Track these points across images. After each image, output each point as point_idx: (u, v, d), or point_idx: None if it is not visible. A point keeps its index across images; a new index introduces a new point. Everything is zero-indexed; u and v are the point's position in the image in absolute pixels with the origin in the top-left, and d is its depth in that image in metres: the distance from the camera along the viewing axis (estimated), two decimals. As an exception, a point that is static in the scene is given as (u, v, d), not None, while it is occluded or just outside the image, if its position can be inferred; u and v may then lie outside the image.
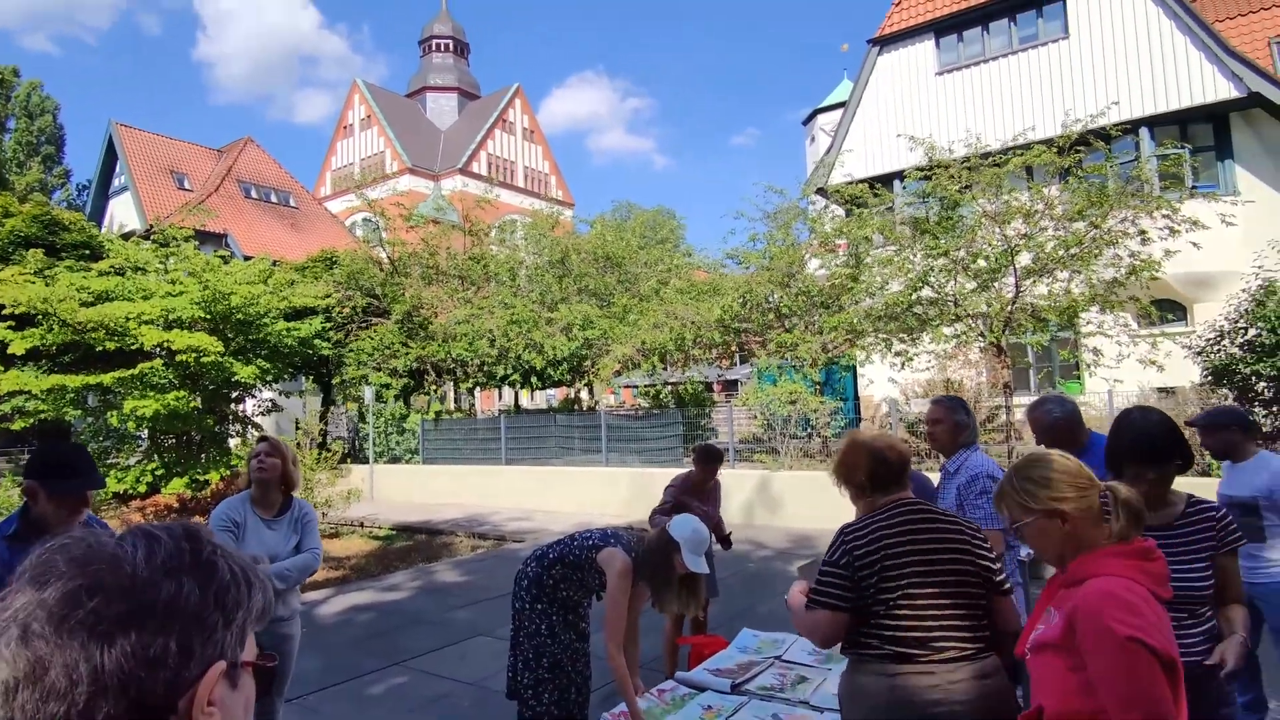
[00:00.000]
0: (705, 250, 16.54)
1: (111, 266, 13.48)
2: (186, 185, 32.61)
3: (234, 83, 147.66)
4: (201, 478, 12.94)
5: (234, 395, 14.48)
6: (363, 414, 16.10)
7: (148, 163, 32.18)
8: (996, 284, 11.48)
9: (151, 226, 28.47)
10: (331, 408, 17.80)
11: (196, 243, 15.94)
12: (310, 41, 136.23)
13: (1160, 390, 11.24)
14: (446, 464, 14.76)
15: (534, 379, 15.37)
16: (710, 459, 4.82)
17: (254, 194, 33.43)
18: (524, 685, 3.18)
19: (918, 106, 16.52)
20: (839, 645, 2.23)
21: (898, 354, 12.47)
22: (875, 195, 13.74)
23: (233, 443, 14.39)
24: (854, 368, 16.24)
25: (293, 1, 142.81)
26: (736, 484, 10.62)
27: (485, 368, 14.92)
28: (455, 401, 20.23)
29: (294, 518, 3.30)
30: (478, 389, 17.09)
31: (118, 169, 32.89)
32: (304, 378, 18.18)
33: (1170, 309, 14.12)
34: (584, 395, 18.29)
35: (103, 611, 0.61)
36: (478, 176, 52.26)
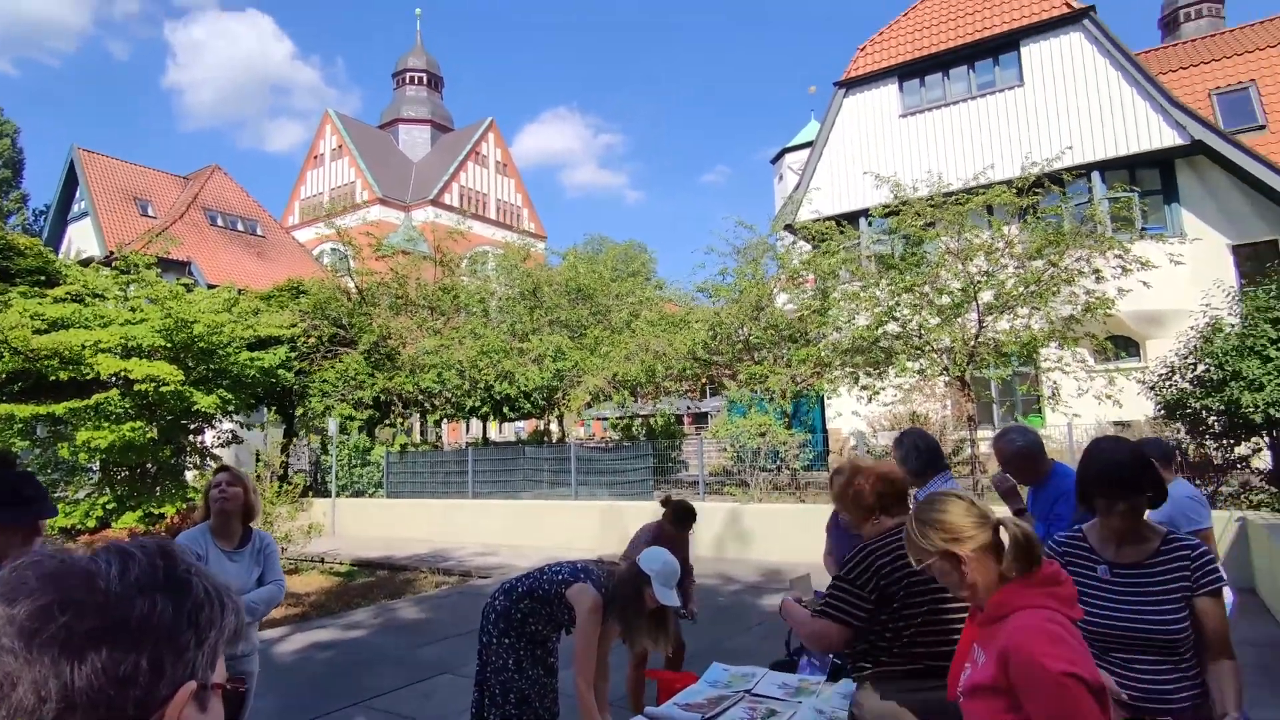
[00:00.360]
0: (677, 283, 16.77)
1: (68, 293, 13.14)
2: (150, 212, 32.07)
3: (204, 110, 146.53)
4: (156, 510, 12.53)
5: (192, 426, 14.12)
6: (325, 446, 15.79)
7: (110, 188, 31.63)
8: (960, 319, 11.77)
9: (112, 253, 27.95)
10: (294, 440, 17.42)
11: (159, 270, 15.66)
12: (283, 71, 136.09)
13: (1117, 424, 11.54)
14: (411, 498, 14.48)
15: (506, 409, 15.23)
16: (683, 521, 4.47)
17: (220, 222, 33.00)
18: (490, 721, 3.11)
19: (882, 147, 17.01)
20: (813, 679, 2.26)
21: (864, 387, 12.66)
22: (842, 232, 14.05)
23: (190, 475, 13.98)
24: (821, 400, 16.41)
25: (265, 32, 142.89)
26: (707, 517, 10.56)
27: (454, 399, 14.76)
28: (421, 434, 19.95)
29: (255, 549, 3.22)
30: (445, 421, 16.88)
31: (78, 194, 32.25)
32: (265, 409, 17.79)
33: (1124, 345, 14.57)
34: (554, 428, 18.17)
35: (74, 627, 0.60)
36: (449, 208, 52.27)
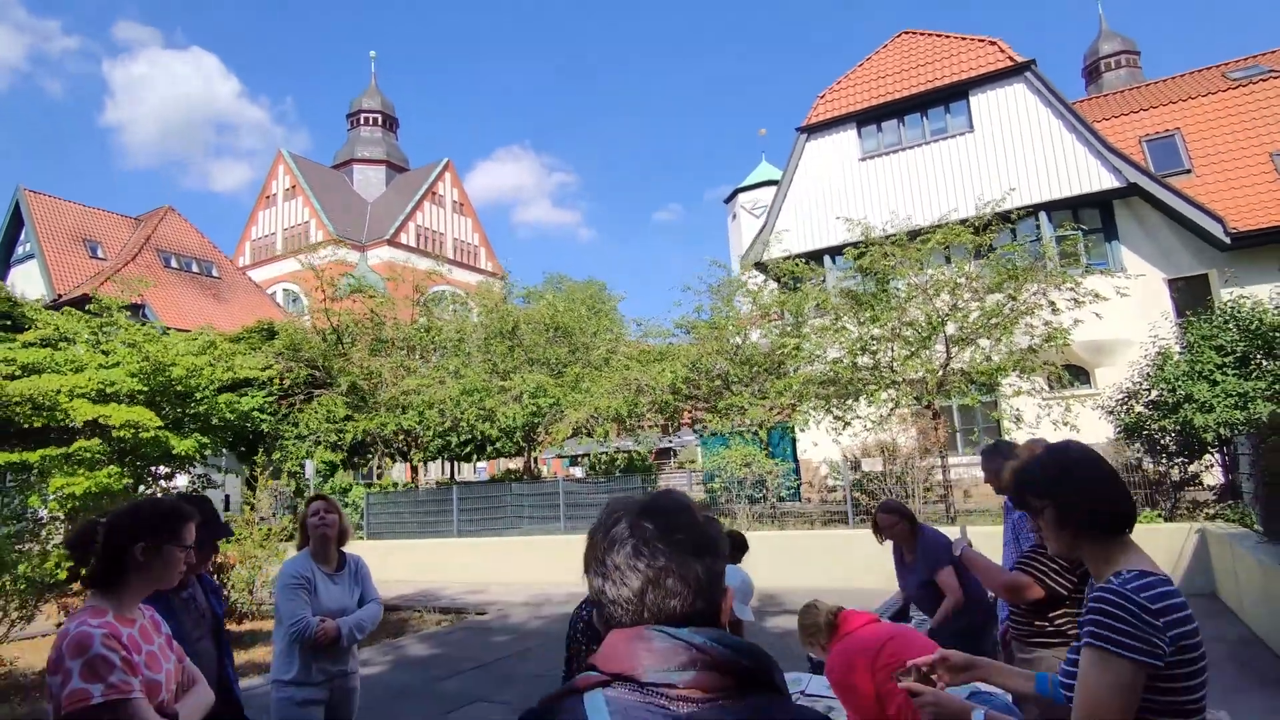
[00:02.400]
0: (654, 319, 17.16)
1: (39, 338, 12.84)
2: (100, 254, 31.25)
3: (145, 148, 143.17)
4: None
5: (164, 471, 13.79)
6: (300, 490, 15.55)
7: (57, 230, 30.74)
8: (927, 351, 12.44)
9: (60, 296, 27.08)
10: (262, 483, 17.10)
11: (127, 313, 15.38)
12: (229, 110, 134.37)
13: (1078, 447, 12.24)
14: (393, 538, 14.36)
15: (487, 448, 15.29)
16: (738, 550, 4.19)
17: (174, 263, 32.30)
18: (580, 728, 3.32)
19: (844, 188, 17.90)
20: None
21: (837, 418, 13.20)
22: (810, 269, 14.72)
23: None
24: (793, 432, 16.92)
25: (210, 70, 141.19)
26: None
27: (438, 437, 14.76)
28: (383, 475, 19.68)
29: (352, 571, 3.41)
30: (424, 462, 16.80)
31: (23, 236, 31.27)
32: (228, 453, 17.41)
33: (1076, 374, 15.49)
34: (529, 466, 18.23)
35: (693, 542, 0.92)
36: (406, 248, 52.09)
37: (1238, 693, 4.90)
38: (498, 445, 15.75)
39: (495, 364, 15.58)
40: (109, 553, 1.90)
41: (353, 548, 3.52)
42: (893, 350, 12.73)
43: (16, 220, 31.30)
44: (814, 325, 13.74)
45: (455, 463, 21.47)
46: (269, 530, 11.27)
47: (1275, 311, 9.30)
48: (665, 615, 0.93)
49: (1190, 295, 14.88)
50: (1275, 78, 15.94)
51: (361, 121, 61.04)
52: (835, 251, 17.73)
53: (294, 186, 54.31)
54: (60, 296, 26.47)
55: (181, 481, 14.28)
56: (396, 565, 13.63)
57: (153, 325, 14.01)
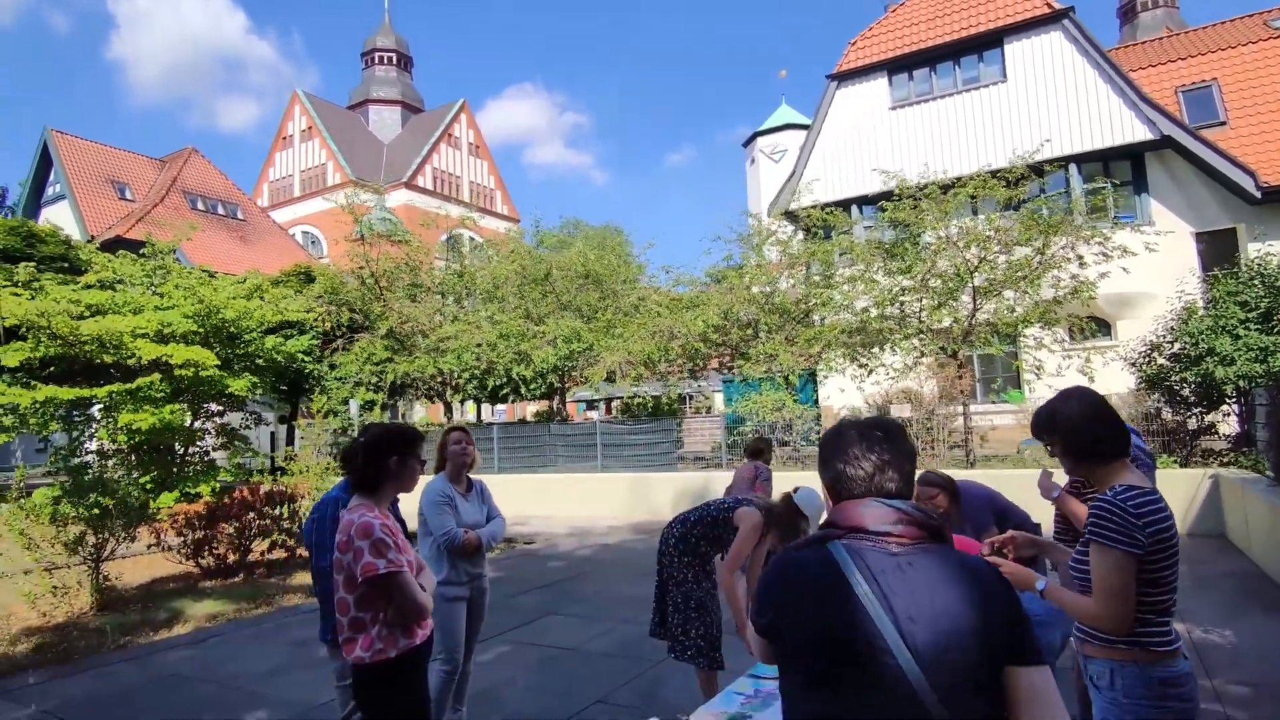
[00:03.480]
0: (683, 268, 17.40)
1: (99, 280, 13.38)
2: (128, 195, 31.62)
3: (151, 86, 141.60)
4: (193, 491, 12.94)
5: (218, 409, 14.47)
6: (345, 428, 16.26)
7: (85, 172, 31.07)
8: (954, 302, 12.78)
9: (93, 237, 27.56)
10: (323, 420, 17.86)
11: (175, 255, 15.89)
12: (237, 46, 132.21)
13: (1098, 397, 12.69)
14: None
15: (522, 389, 15.89)
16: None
17: (200, 205, 32.65)
18: (674, 625, 3.90)
19: (874, 137, 17.92)
20: None
21: (861, 365, 13.65)
22: (843, 218, 14.95)
23: (216, 456, 14.35)
24: (815, 379, 17.40)
25: (217, 4, 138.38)
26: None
27: (474, 380, 15.35)
28: (406, 416, 20.34)
29: (479, 492, 3.96)
30: (460, 403, 17.43)
31: (52, 177, 31.64)
32: (272, 394, 18.12)
33: (1098, 325, 15.80)
34: (556, 409, 18.85)
35: (905, 449, 1.42)
36: (424, 190, 52.07)
37: (1245, 616, 5.47)
38: (531, 387, 16.33)
39: (529, 309, 16.04)
40: (370, 464, 2.40)
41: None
42: (921, 301, 13.08)
43: (45, 161, 31.62)
44: (844, 275, 14.06)
45: (482, 405, 22.14)
46: (328, 464, 11.96)
47: (1300, 268, 9.57)
48: (883, 491, 1.40)
49: (1216, 249, 15.04)
50: (1318, 27, 15.72)
51: (376, 61, 60.20)
52: (864, 201, 17.88)
53: (310, 128, 54.03)
54: (93, 238, 26.93)
55: (235, 419, 14.99)
56: (439, 500, 14.38)
57: (203, 269, 14.48)
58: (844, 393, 15.37)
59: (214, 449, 14.48)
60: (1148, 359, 10.55)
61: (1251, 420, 8.81)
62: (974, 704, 1.25)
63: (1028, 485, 3.80)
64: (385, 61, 60.39)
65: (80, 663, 5.59)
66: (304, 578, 7.95)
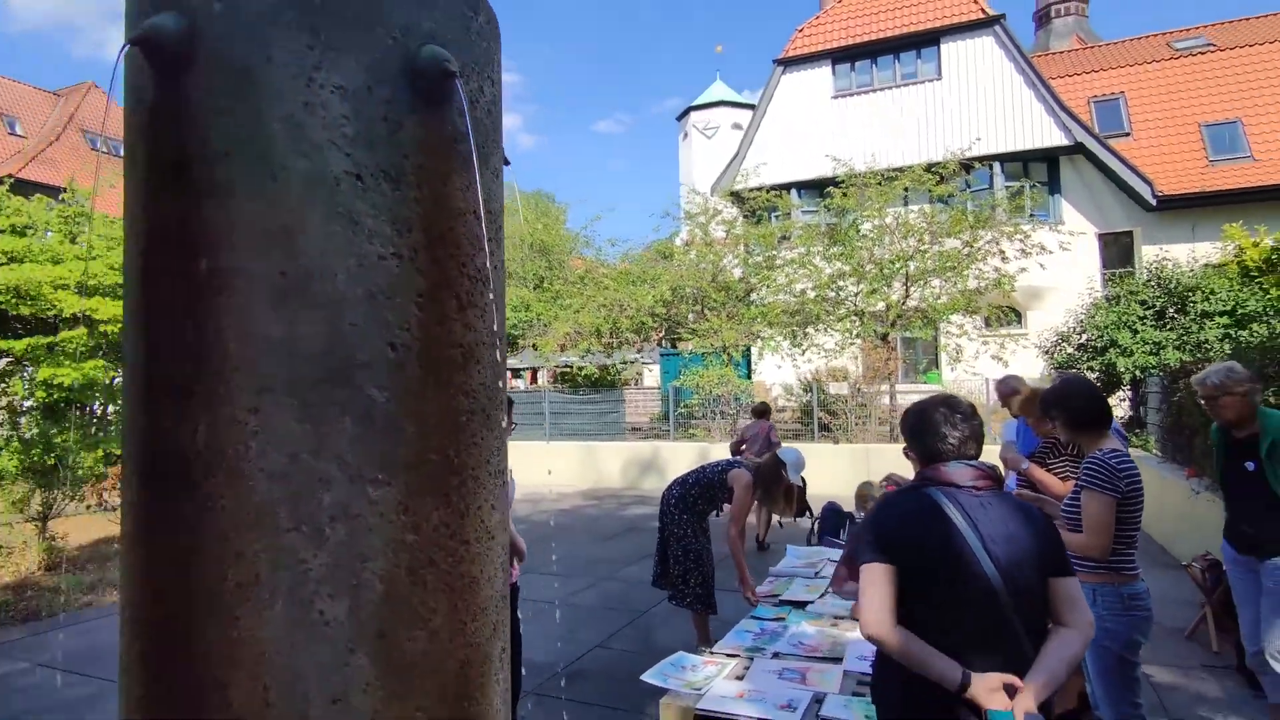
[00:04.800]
0: (629, 241, 17.63)
1: (12, 225, 12.47)
2: (18, 130, 29.09)
3: (28, 10, 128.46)
4: (116, 451, 12.41)
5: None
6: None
7: (-31, 102, 28.29)
8: (888, 288, 13.64)
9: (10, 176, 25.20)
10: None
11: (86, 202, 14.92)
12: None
13: (1010, 380, 13.91)
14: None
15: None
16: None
17: (101, 147, 30.31)
18: (675, 575, 4.32)
19: (816, 124, 18.57)
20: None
21: (795, 344, 14.40)
22: (788, 201, 15.56)
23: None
24: (749, 355, 18.12)
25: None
26: (681, 455, 11.98)
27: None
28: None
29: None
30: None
31: (-71, 105, 28.66)
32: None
33: (1008, 315, 17.11)
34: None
35: (979, 426, 1.83)
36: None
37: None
38: (474, 355, 16.30)
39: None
40: None
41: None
42: (858, 285, 13.87)
43: (-80, 87, 28.58)
44: (785, 258, 14.70)
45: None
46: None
47: (1189, 274, 10.79)
48: (965, 455, 1.85)
49: (1117, 250, 16.52)
50: (1214, 51, 17.29)
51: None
52: (804, 186, 18.56)
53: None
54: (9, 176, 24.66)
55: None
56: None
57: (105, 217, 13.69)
58: (780, 369, 16.11)
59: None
60: (1058, 347, 11.63)
61: (1145, 405, 9.94)
62: (1032, 602, 1.74)
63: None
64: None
65: (54, 620, 5.53)
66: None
